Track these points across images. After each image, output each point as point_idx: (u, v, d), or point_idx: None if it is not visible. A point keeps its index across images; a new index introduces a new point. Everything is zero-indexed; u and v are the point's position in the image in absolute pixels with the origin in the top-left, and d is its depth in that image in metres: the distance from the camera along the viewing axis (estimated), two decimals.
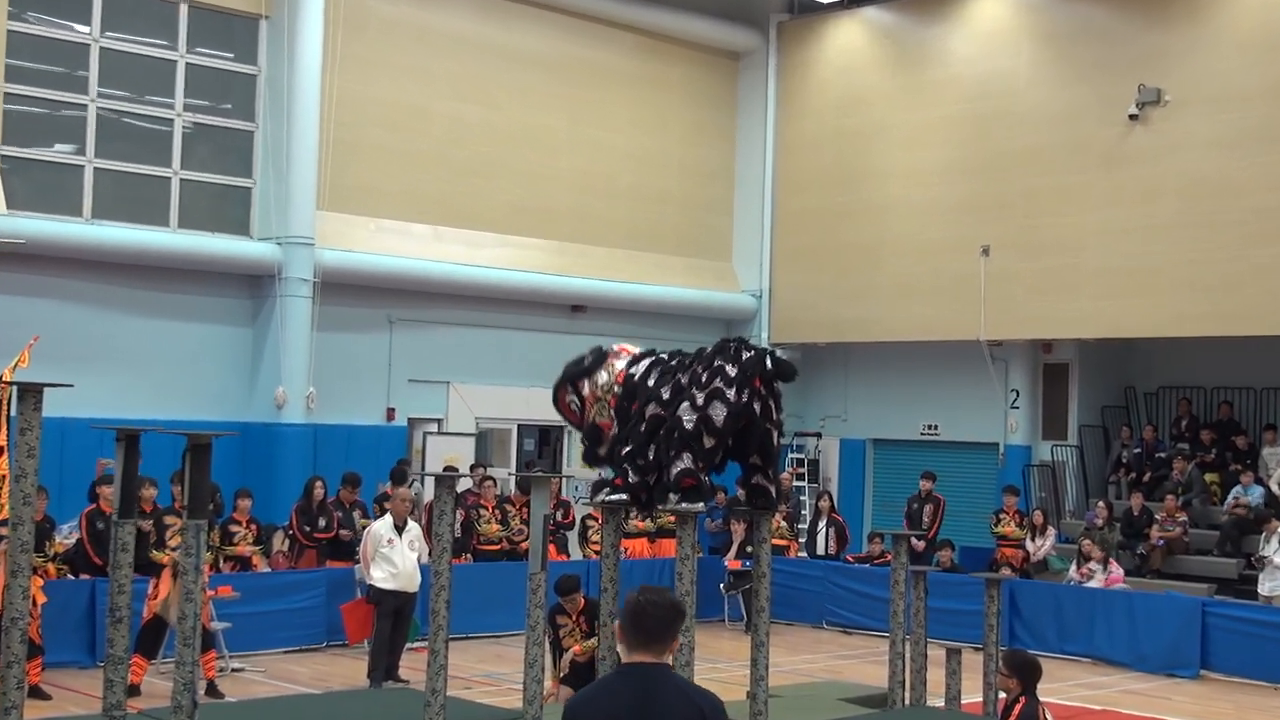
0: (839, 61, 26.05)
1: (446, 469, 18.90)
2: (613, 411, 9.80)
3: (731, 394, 9.27)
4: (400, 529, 15.71)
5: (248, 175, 21.56)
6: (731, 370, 9.33)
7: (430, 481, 19.46)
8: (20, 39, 19.74)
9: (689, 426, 9.40)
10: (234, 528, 17.72)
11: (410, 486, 19.47)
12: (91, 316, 20.04)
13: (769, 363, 9.45)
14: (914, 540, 21.82)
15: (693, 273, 26.13)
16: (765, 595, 10.02)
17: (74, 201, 20.01)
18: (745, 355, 9.41)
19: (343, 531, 18.70)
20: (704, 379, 9.39)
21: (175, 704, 8.71)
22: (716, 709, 4.97)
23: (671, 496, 9.57)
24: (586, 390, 9.94)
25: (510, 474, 22.32)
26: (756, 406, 9.34)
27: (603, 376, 9.94)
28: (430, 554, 12.87)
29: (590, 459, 10.18)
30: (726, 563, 21.51)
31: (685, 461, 9.47)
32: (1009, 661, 9.26)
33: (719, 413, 9.32)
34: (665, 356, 9.87)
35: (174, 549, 14.51)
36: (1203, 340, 22.47)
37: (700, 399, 9.36)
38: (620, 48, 25.52)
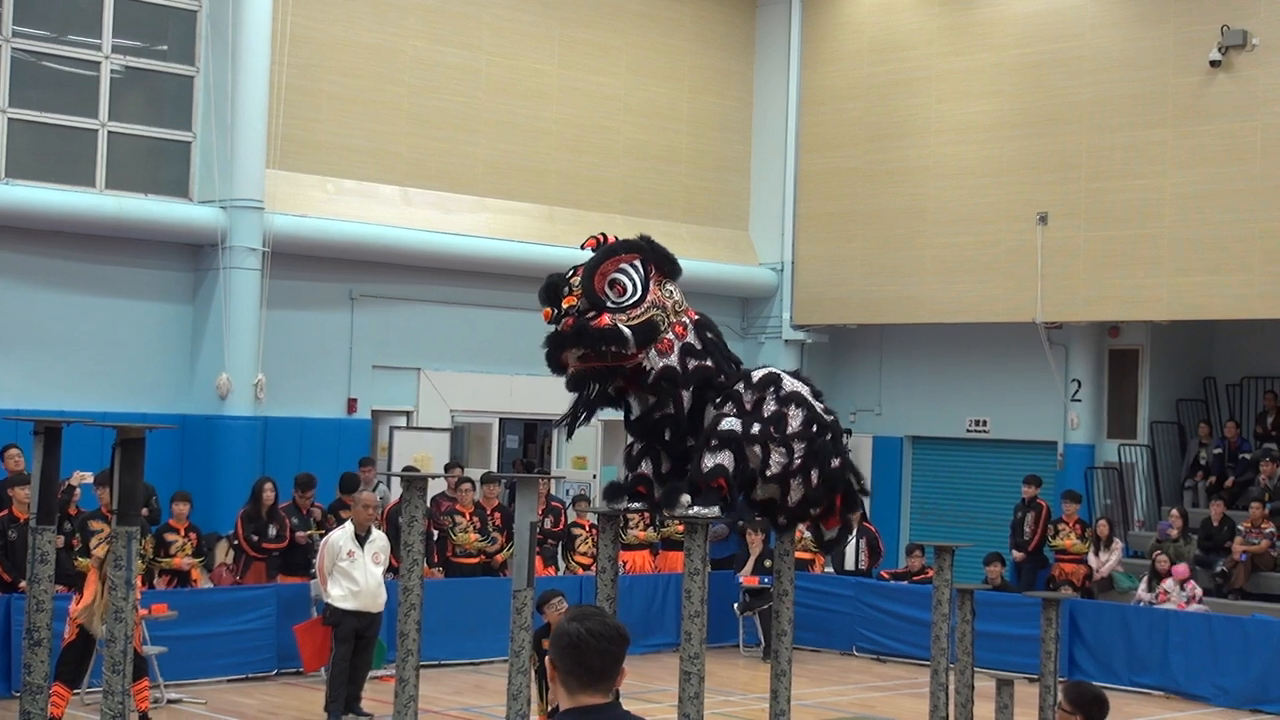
0: None
1: (406, 469, 18.86)
2: (676, 340, 9.74)
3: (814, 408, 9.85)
4: (362, 539, 15.68)
5: (186, 128, 21.49)
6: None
7: (396, 484, 19.44)
8: None
9: (739, 426, 9.55)
10: (170, 536, 17.70)
11: (375, 489, 19.47)
12: (4, 291, 20.00)
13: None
14: (1015, 552, 22.03)
15: (703, 243, 26.10)
16: (787, 617, 10.02)
17: None
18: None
19: (298, 534, 18.68)
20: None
21: None
22: None
23: (684, 499, 9.58)
24: (654, 286, 9.78)
25: (498, 476, 22.29)
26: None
27: (678, 293, 9.93)
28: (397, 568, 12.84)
29: (600, 354, 9.55)
30: (742, 579, 21.50)
31: (723, 459, 9.53)
32: (1070, 695, 9.22)
33: (796, 418, 9.66)
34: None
35: (101, 560, 14.49)
36: None
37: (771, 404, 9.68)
38: None
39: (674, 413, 9.76)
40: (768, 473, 9.80)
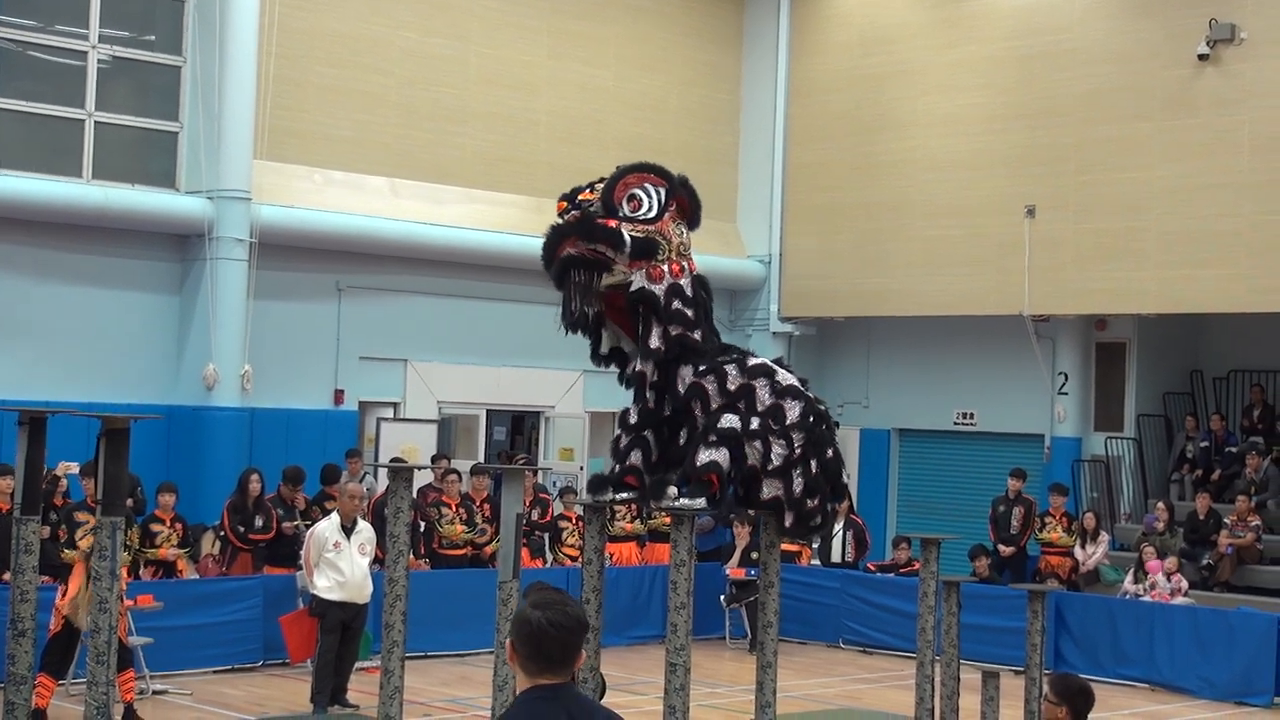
0: None
1: (393, 461, 18.85)
2: (669, 275, 9.71)
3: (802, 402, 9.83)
4: (349, 530, 15.67)
5: (174, 118, 21.46)
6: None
7: (383, 475, 19.42)
8: None
9: (739, 423, 9.53)
10: (156, 527, 17.64)
11: (362, 480, 19.45)
12: None
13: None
14: (1003, 547, 21.97)
15: (692, 235, 26.05)
16: (773, 609, 10.01)
17: None
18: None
19: (285, 525, 18.66)
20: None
21: None
22: None
23: (671, 491, 9.58)
24: (670, 218, 9.79)
25: (487, 468, 22.26)
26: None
27: (689, 240, 9.95)
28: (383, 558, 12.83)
29: (596, 244, 9.58)
30: (728, 571, 21.50)
31: (718, 455, 9.53)
32: (1056, 687, 9.23)
33: (793, 410, 9.66)
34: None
35: (87, 552, 14.46)
36: None
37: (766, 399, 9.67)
38: None
39: (646, 374, 9.73)
40: (769, 466, 9.79)
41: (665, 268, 9.68)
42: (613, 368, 10.13)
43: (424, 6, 23.40)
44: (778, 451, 9.79)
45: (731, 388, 9.77)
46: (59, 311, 20.44)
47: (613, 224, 9.58)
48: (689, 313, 9.76)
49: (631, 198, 9.70)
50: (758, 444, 9.72)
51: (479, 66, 23.94)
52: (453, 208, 23.44)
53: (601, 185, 9.77)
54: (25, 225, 20.10)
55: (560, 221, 9.70)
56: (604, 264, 9.58)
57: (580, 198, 9.73)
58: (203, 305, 20.98)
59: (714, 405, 9.73)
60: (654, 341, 9.66)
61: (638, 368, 9.71)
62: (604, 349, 10.01)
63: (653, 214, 9.69)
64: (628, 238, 9.55)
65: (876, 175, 25.49)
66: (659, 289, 9.65)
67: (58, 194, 20.19)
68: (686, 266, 9.83)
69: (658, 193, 9.76)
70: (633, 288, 9.62)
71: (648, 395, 9.74)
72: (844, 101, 25.99)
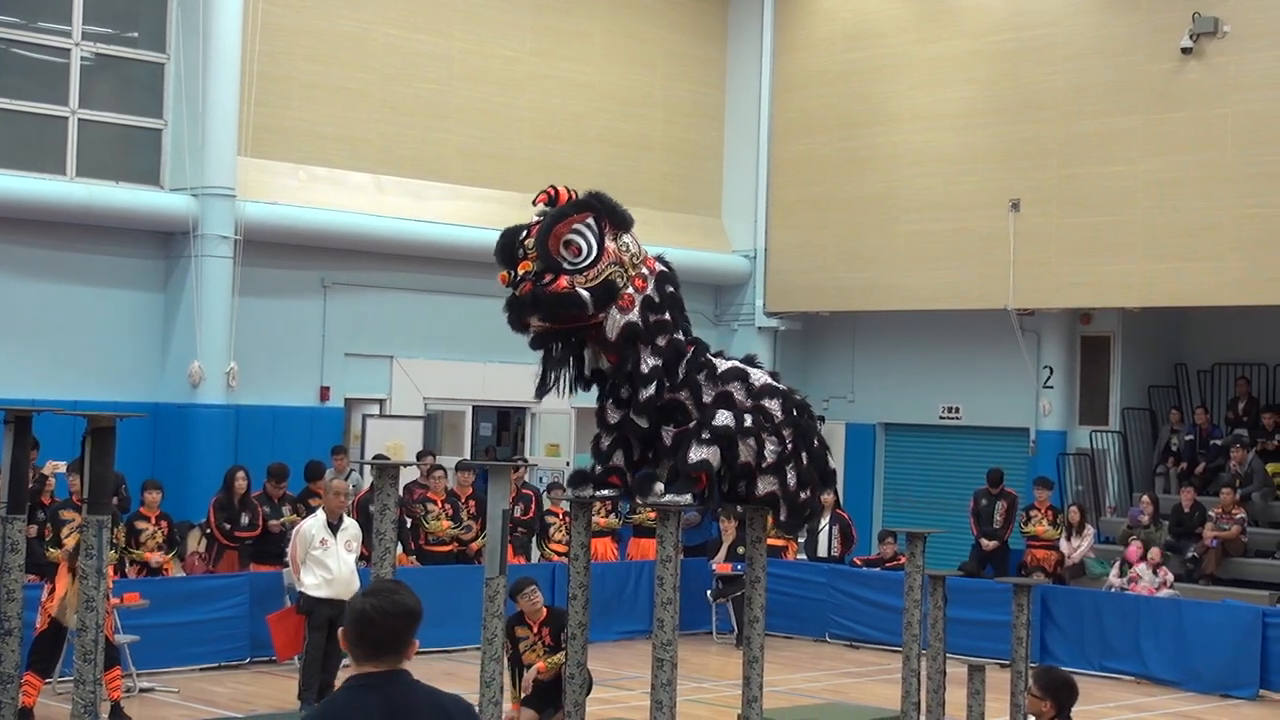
0: None
1: (376, 458, 18.85)
2: (636, 294, 9.72)
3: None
4: (335, 527, 15.68)
5: (157, 115, 21.44)
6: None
7: (369, 471, 19.42)
8: None
9: (733, 421, 9.58)
10: (141, 525, 17.64)
11: (348, 477, 19.44)
12: None
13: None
14: (985, 541, 22.00)
15: (676, 230, 26.09)
16: (759, 604, 10.05)
17: None
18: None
19: (271, 523, 18.66)
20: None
21: None
22: (467, 712, 5.08)
23: (658, 487, 9.61)
24: (610, 241, 9.75)
25: (472, 464, 22.26)
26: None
27: (634, 244, 9.92)
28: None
29: (559, 318, 9.59)
30: (715, 566, 21.51)
31: (710, 455, 9.55)
32: (1040, 680, 9.28)
33: (774, 407, 9.72)
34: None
35: (72, 551, 14.46)
36: (1266, 310, 22.55)
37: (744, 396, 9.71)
38: None
39: (631, 370, 9.75)
40: (764, 464, 9.81)
41: (631, 290, 9.68)
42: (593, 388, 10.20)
43: (406, 3, 23.39)
44: (771, 448, 9.82)
45: (707, 400, 9.82)
46: (43, 309, 20.42)
47: (564, 284, 9.43)
48: (666, 318, 9.79)
49: (568, 244, 9.58)
50: (751, 441, 9.75)
51: (462, 62, 23.94)
52: (437, 203, 23.45)
53: (533, 242, 9.59)
54: (9, 223, 20.07)
55: (514, 294, 9.60)
56: (576, 329, 9.60)
57: (520, 268, 9.58)
58: (187, 302, 20.96)
59: (691, 422, 9.80)
60: (649, 363, 9.68)
61: (643, 396, 9.71)
62: (586, 370, 10.02)
63: (594, 252, 9.58)
64: (584, 295, 9.47)
65: (861, 170, 25.52)
66: (635, 316, 9.65)
67: (41, 191, 20.17)
68: (646, 272, 9.83)
69: (589, 227, 9.63)
70: (615, 329, 9.61)
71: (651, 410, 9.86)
72: (828, 96, 26.01)
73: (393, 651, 5.01)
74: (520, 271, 9.55)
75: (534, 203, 9.93)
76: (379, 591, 5.05)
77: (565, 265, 9.51)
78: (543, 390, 9.87)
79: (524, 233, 9.69)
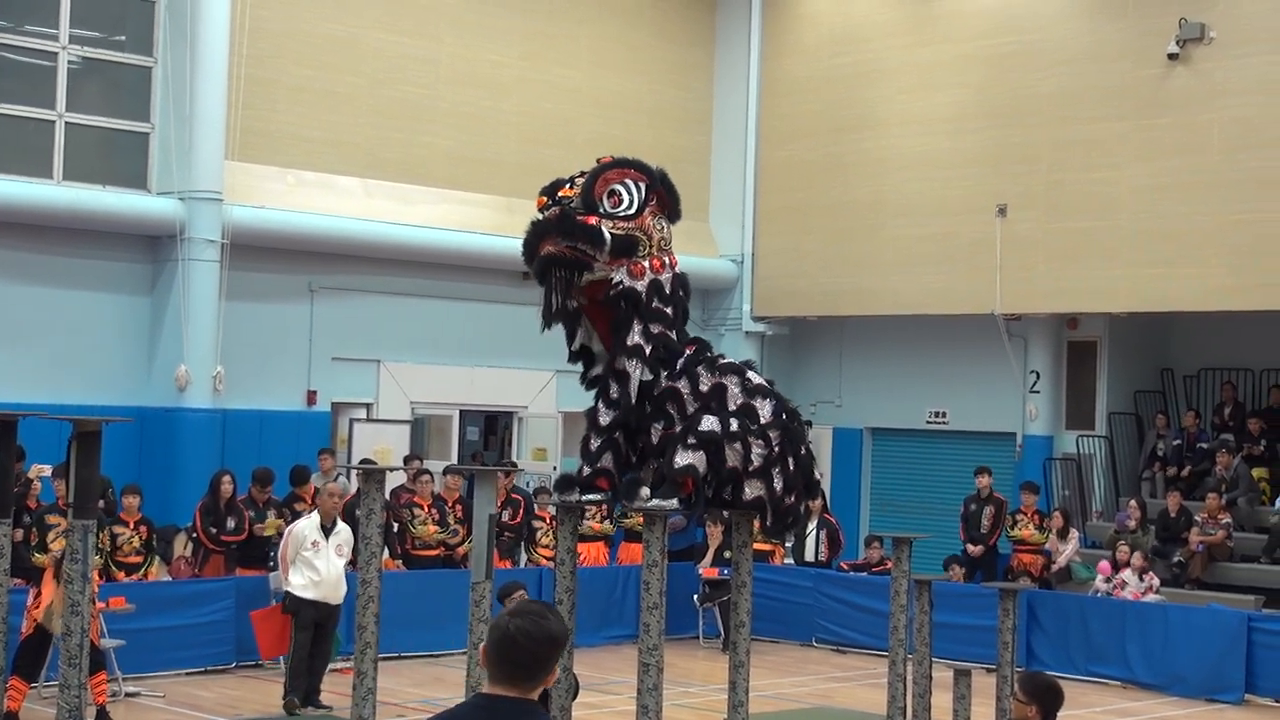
0: None
1: (363, 463, 18.85)
2: (650, 272, 9.71)
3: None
4: (328, 530, 15.70)
5: (145, 119, 21.42)
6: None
7: (355, 476, 19.41)
8: None
9: (719, 426, 9.56)
10: (119, 530, 17.55)
11: (335, 479, 19.45)
12: None
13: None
14: (971, 547, 21.99)
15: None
16: (746, 608, 10.05)
17: None
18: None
19: (257, 527, 18.63)
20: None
21: None
22: None
23: (644, 492, 9.61)
24: (650, 214, 9.76)
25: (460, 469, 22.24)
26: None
27: (669, 235, 9.94)
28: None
29: (576, 242, 9.50)
30: (701, 571, 21.54)
31: (696, 460, 9.55)
32: (1025, 685, 9.28)
33: (765, 408, 9.72)
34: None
35: (57, 556, 14.44)
36: (1251, 315, 22.57)
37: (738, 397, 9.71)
38: None
39: (616, 338, 9.72)
40: (750, 468, 9.81)
41: (646, 263, 9.69)
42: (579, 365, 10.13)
43: (394, 7, 23.38)
44: (757, 452, 9.82)
45: (704, 388, 9.79)
46: (29, 313, 20.39)
47: (592, 220, 9.54)
48: (668, 310, 9.79)
49: (612, 193, 9.68)
50: (738, 445, 9.75)
51: (450, 67, 23.93)
52: (424, 208, 23.44)
53: (582, 180, 9.77)
54: None
55: (540, 217, 9.70)
56: (585, 262, 9.58)
57: (560, 194, 9.72)
58: (174, 306, 20.95)
59: (689, 408, 9.74)
60: (634, 338, 9.66)
61: (620, 366, 9.68)
62: (574, 345, 10.01)
63: (633, 210, 9.67)
64: (608, 235, 9.54)
65: (848, 175, 25.54)
66: (641, 285, 9.66)
67: (28, 195, 20.14)
68: (668, 261, 9.85)
69: (638, 188, 9.75)
70: (615, 284, 9.62)
71: (630, 393, 9.71)
72: (816, 101, 26.03)
73: (529, 678, 4.82)
74: (558, 196, 9.66)
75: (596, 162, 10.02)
76: (525, 613, 4.87)
77: (602, 209, 9.62)
78: (549, 314, 9.71)
79: (579, 173, 9.84)
